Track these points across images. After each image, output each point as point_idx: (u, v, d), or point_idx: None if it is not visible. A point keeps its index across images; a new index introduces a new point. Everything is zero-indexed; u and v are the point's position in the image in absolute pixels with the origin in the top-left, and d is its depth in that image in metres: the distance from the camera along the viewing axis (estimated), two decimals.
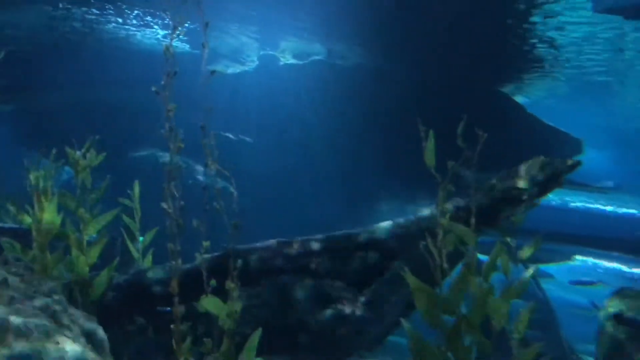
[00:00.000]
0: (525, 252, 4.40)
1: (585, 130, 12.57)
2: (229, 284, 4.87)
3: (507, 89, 12.03)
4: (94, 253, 6.13)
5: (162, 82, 5.25)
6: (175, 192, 5.31)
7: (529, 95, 12.85)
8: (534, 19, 9.17)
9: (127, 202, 6.97)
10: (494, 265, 4.29)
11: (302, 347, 5.63)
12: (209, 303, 4.91)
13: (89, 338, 5.00)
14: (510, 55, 10.65)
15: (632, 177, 13.80)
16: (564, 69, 10.97)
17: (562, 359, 7.59)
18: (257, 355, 5.10)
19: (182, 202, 5.40)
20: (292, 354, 5.52)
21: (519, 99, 12.40)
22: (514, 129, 10.54)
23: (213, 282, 5.01)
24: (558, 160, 4.71)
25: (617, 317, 5.32)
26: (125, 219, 7.00)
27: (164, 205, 5.03)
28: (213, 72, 6.07)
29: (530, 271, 4.57)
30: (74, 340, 4.56)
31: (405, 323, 4.48)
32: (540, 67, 11.05)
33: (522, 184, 4.76)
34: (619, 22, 8.64)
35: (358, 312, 5.62)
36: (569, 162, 4.69)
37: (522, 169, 4.90)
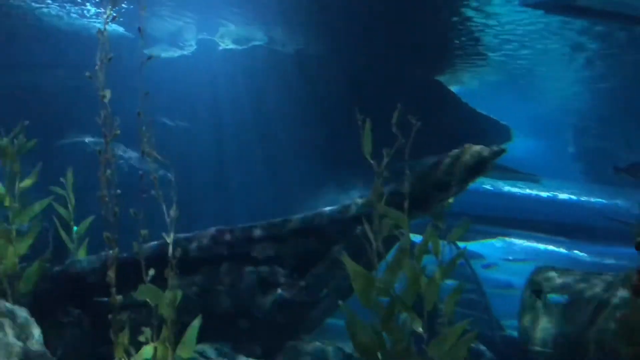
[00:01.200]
0: (455, 234, 4.64)
1: (517, 118, 13.20)
2: (168, 273, 4.85)
3: (442, 78, 12.42)
4: (24, 244, 5.92)
5: (96, 67, 5.11)
6: (111, 180, 5.21)
7: (464, 84, 13.33)
8: (466, 10, 9.51)
9: (59, 190, 6.74)
10: (426, 247, 4.51)
11: (243, 333, 5.70)
12: (147, 292, 4.87)
13: (20, 330, 4.86)
14: (445, 45, 10.99)
15: (558, 163, 14.65)
16: (495, 60, 11.45)
17: (491, 335, 8.04)
18: (198, 342, 5.12)
19: (118, 191, 5.31)
20: (234, 340, 5.58)
21: (454, 87, 12.83)
22: (448, 116, 10.93)
23: (152, 271, 4.97)
24: (485, 147, 4.98)
25: (536, 292, 5.74)
26: (58, 208, 6.77)
27: (99, 193, 4.92)
28: (150, 57, 5.95)
29: (461, 253, 4.83)
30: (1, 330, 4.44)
31: (343, 305, 4.63)
32: (473, 58, 11.48)
33: (451, 170, 5.00)
34: (545, 16, 9.11)
35: (298, 297, 5.73)
36: (495, 148, 4.96)
37: (452, 155, 5.14)
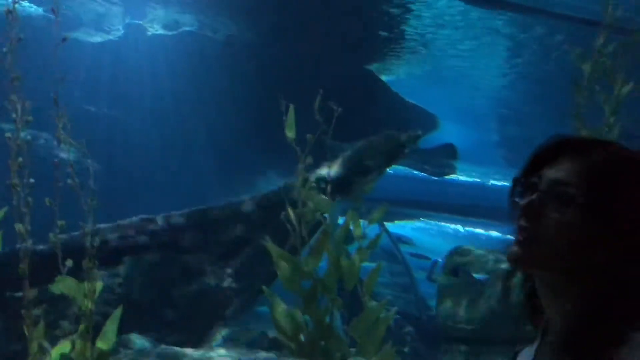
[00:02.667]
0: (374, 216, 4.75)
1: (444, 107, 13.60)
2: (86, 263, 4.68)
3: (372, 67, 12.60)
4: None
5: (5, 49, 4.84)
6: (24, 169, 4.96)
7: (393, 74, 13.58)
8: (395, 1, 9.68)
9: None
10: (348, 230, 4.59)
11: (167, 322, 5.61)
12: (63, 285, 4.69)
13: None
14: (373, 35, 11.14)
15: (483, 150, 15.23)
16: (421, 50, 11.72)
17: (418, 316, 8.29)
18: (120, 334, 4.98)
19: (32, 180, 5.06)
20: (157, 330, 5.48)
21: (384, 77, 13.05)
22: (377, 105, 11.11)
23: (69, 262, 4.78)
24: (401, 133, 5.12)
25: (453, 271, 5.98)
26: None
27: (9, 182, 4.68)
28: (65, 39, 5.69)
29: (383, 234, 4.96)
30: None
31: (267, 291, 4.65)
32: (400, 48, 11.70)
33: (370, 155, 5.11)
34: (466, 7, 9.41)
35: (224, 284, 5.70)
36: (411, 134, 5.11)
37: (372, 141, 5.25)
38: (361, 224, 4.61)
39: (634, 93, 4.68)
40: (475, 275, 5.93)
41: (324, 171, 4.99)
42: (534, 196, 1.07)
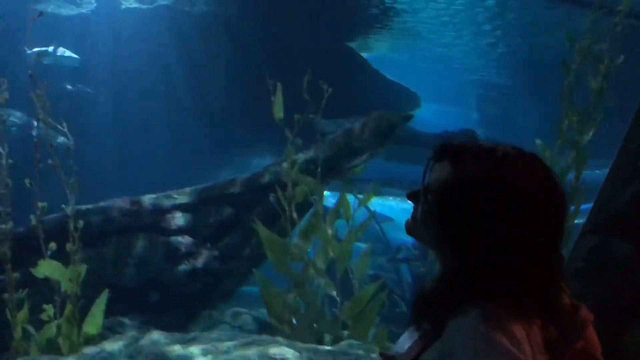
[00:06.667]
0: (366, 199, 4.74)
1: (426, 86, 13.61)
2: (69, 246, 4.57)
3: (354, 44, 12.47)
4: None
5: None
6: (2, 149, 4.79)
7: (374, 51, 13.48)
8: None
9: None
10: (338, 212, 4.57)
11: (154, 305, 5.54)
12: (47, 268, 4.58)
13: None
14: (356, 11, 10.99)
15: (460, 126, 15.33)
16: (404, 28, 11.64)
17: (402, 295, 8.36)
18: (107, 317, 4.91)
19: (10, 160, 4.89)
20: (144, 313, 5.41)
21: (365, 54, 12.95)
22: (359, 83, 11.01)
23: (53, 245, 4.67)
24: (393, 113, 5.09)
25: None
26: None
27: None
28: (41, 13, 5.45)
29: (372, 215, 4.95)
30: None
31: (256, 272, 4.61)
32: (382, 25, 11.59)
33: (361, 136, 5.07)
34: None
35: (212, 265, 5.65)
36: (403, 115, 5.08)
37: (362, 122, 5.21)
38: (351, 204, 4.59)
39: (621, 73, 4.72)
40: None
41: (313, 152, 4.94)
42: (419, 187, 1.33)
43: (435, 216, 1.27)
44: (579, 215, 4.35)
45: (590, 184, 4.48)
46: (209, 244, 5.62)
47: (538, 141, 4.90)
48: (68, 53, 9.81)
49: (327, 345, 3.98)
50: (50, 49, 9.45)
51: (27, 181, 4.71)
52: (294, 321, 4.31)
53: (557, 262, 1.24)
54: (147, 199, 5.77)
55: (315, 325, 4.34)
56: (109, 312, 4.72)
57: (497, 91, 15.01)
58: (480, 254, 1.20)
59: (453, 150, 1.30)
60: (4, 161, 4.78)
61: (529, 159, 1.26)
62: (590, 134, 4.82)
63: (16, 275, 4.64)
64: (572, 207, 4.52)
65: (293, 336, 4.11)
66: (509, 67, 13.53)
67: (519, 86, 14.06)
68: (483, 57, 13.16)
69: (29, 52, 8.77)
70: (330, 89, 4.56)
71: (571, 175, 4.82)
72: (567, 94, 4.74)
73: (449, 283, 1.24)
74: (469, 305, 1.16)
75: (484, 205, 1.21)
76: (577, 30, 5.12)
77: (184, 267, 5.56)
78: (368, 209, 5.10)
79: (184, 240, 5.60)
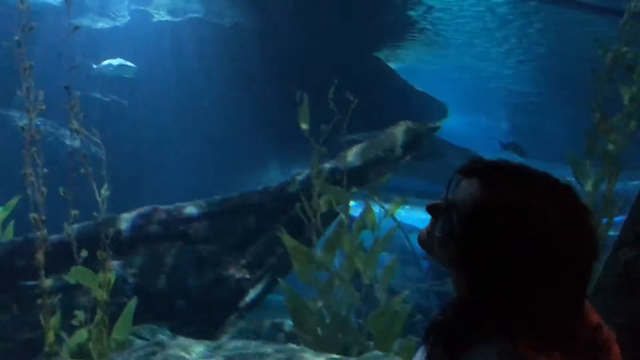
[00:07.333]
0: (392, 209, 4.71)
1: (453, 95, 13.49)
2: (101, 254, 4.67)
3: (381, 54, 12.47)
4: None
5: (17, 37, 4.79)
6: (38, 158, 4.94)
7: (402, 61, 13.45)
8: None
9: None
10: (364, 222, 4.55)
11: (180, 312, 5.61)
12: (79, 274, 4.69)
13: None
14: (383, 22, 11.00)
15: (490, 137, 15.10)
16: (431, 37, 11.59)
17: (428, 306, 8.27)
18: (135, 323, 4.99)
19: (45, 170, 5.03)
20: (171, 320, 5.48)
21: (393, 64, 12.92)
22: (386, 93, 10.99)
23: (84, 252, 4.77)
24: (420, 124, 5.06)
25: None
26: None
27: (24, 171, 4.66)
28: (77, 27, 5.62)
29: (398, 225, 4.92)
30: None
31: (282, 281, 4.63)
32: (410, 34, 11.57)
33: (387, 146, 5.06)
34: None
35: (238, 274, 5.69)
36: (430, 125, 5.05)
37: (389, 132, 5.19)
38: (376, 214, 4.57)
39: None
40: None
41: (339, 162, 4.94)
42: (442, 201, 1.24)
43: (456, 237, 1.18)
44: (612, 228, 4.24)
45: (624, 195, 4.36)
46: (235, 253, 5.67)
47: (570, 152, 4.81)
48: (127, 63, 10.26)
49: (353, 357, 3.95)
50: (111, 62, 9.90)
51: (61, 190, 4.85)
52: (319, 331, 4.30)
53: (582, 302, 1.16)
54: (175, 207, 5.86)
55: (340, 335, 4.32)
56: (137, 318, 4.80)
57: (528, 101, 14.78)
58: (501, 287, 1.12)
59: (484, 168, 1.20)
60: (39, 170, 4.93)
61: (565, 191, 1.16)
62: (624, 144, 4.69)
63: (49, 281, 4.76)
64: (605, 220, 4.41)
65: (318, 346, 4.09)
66: (539, 76, 13.33)
67: (550, 96, 13.83)
68: (512, 66, 12.99)
69: (95, 66, 9.38)
70: (356, 100, 4.57)
71: (604, 187, 4.69)
72: (599, 103, 4.64)
73: (464, 314, 1.15)
74: (484, 343, 1.10)
75: (512, 236, 1.11)
76: (607, 37, 5.03)
77: (210, 275, 5.61)
78: (394, 219, 5.09)
79: (211, 248, 5.66)
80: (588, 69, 5.03)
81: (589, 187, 4.33)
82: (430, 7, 10.07)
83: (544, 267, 1.10)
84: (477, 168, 1.21)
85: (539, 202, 1.13)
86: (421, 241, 1.28)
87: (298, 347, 3.79)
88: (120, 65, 10.11)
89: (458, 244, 1.18)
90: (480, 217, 1.15)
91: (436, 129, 5.15)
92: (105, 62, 9.77)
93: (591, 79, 4.86)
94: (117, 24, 12.12)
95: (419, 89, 12.17)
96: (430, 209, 1.26)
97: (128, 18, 12.11)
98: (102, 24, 12.13)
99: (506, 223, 1.13)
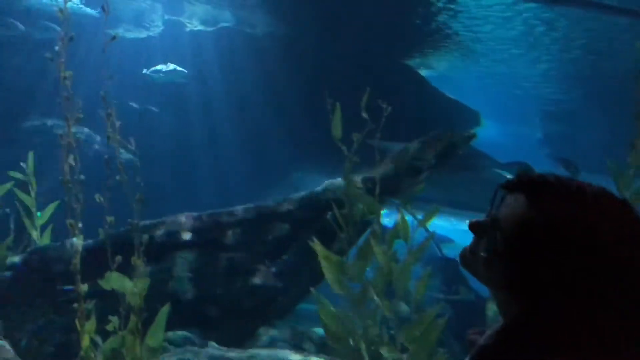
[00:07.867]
0: (426, 219, 4.65)
1: (486, 104, 13.33)
2: (135, 260, 4.72)
3: (412, 62, 12.41)
4: None
5: (57, 47, 4.91)
6: (75, 165, 5.03)
7: (433, 69, 13.36)
8: None
9: (18, 175, 6.48)
10: (397, 233, 4.50)
11: (212, 319, 5.63)
12: (113, 280, 4.75)
13: None
14: (413, 29, 10.95)
15: (526, 148, 14.85)
16: (463, 45, 11.47)
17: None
18: (167, 330, 5.03)
19: (82, 176, 5.12)
20: (203, 327, 5.51)
21: (424, 72, 12.84)
22: (417, 101, 10.92)
23: (119, 258, 4.83)
24: (455, 133, 4.99)
25: None
26: (19, 193, 6.51)
27: (61, 178, 4.75)
28: (114, 37, 5.74)
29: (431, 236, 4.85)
30: None
31: (314, 291, 4.60)
32: (441, 42, 11.48)
33: (421, 155, 5.00)
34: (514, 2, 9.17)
35: (269, 282, 5.68)
36: (465, 134, 4.98)
37: (423, 141, 5.13)
38: (409, 224, 4.51)
39: None
40: None
41: (370, 171, 4.91)
42: (486, 218, 1.16)
43: (503, 257, 1.10)
44: None
45: None
46: (267, 261, 5.67)
47: (609, 162, 4.67)
48: (178, 68, 10.50)
49: None
50: (163, 67, 10.13)
51: (97, 196, 4.92)
52: (351, 342, 4.26)
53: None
54: (207, 215, 5.90)
55: (372, 347, 4.27)
56: (169, 325, 4.83)
57: (562, 109, 14.48)
58: (556, 309, 1.04)
59: (531, 183, 1.13)
60: (76, 177, 5.02)
61: (622, 206, 1.09)
62: None
63: (85, 286, 4.83)
64: None
65: (349, 357, 4.05)
66: (574, 83, 13.05)
67: (586, 104, 13.52)
68: (545, 73, 12.76)
69: (145, 72, 9.62)
70: (389, 108, 4.54)
71: None
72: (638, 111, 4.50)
73: (519, 338, 1.06)
74: None
75: (566, 255, 1.04)
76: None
77: (241, 283, 5.62)
78: (427, 230, 5.02)
79: (243, 256, 5.68)
80: (627, 75, 4.90)
81: (631, 198, 4.19)
82: (458, 12, 9.98)
83: (610, 287, 1.04)
84: (523, 183, 1.13)
85: (598, 217, 1.06)
86: (464, 262, 1.19)
87: (329, 358, 3.75)
88: (171, 71, 10.30)
89: (506, 263, 1.09)
90: (529, 233, 1.08)
91: (471, 137, 5.07)
92: (157, 67, 9.94)
93: (631, 85, 4.74)
94: (152, 33, 12.37)
95: (452, 96, 12.06)
96: (473, 227, 1.17)
97: (162, 28, 12.36)
98: (137, 34, 12.40)
99: (560, 238, 1.06)
